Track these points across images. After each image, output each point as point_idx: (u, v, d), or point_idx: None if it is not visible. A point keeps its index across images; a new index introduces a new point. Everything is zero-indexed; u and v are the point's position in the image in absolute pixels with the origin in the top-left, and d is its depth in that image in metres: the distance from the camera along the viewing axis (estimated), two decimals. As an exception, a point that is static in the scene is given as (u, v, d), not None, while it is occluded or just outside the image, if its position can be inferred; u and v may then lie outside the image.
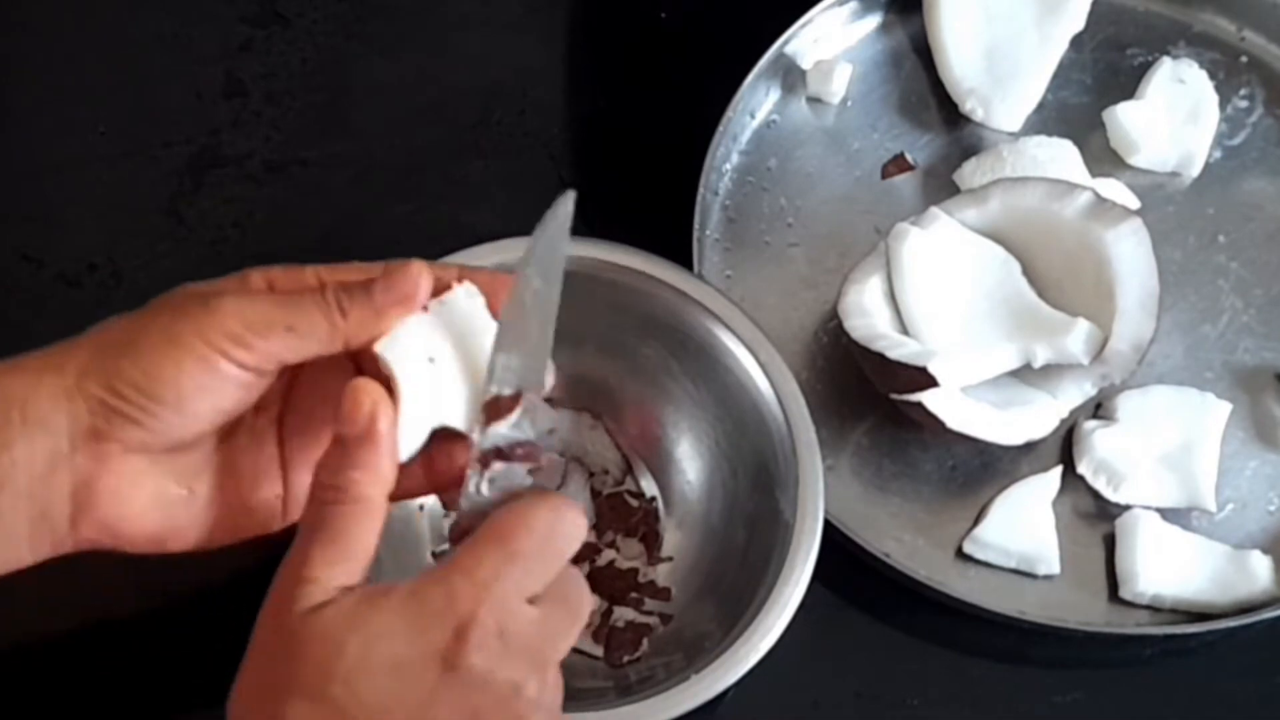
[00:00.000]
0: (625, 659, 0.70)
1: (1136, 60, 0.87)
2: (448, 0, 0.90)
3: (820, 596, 0.66)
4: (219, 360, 0.52)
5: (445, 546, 0.72)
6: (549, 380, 0.56)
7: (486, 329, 0.55)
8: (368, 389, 0.51)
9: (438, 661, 0.49)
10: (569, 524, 0.52)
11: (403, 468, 0.53)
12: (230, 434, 0.57)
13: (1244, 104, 0.87)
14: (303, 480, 0.56)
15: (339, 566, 0.50)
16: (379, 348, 0.54)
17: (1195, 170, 0.85)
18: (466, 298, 0.56)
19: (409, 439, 0.53)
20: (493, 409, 0.53)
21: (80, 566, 0.55)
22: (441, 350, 0.54)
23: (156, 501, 0.54)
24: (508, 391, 0.53)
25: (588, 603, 0.53)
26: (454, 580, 0.50)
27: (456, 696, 0.49)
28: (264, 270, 0.56)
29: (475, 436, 0.53)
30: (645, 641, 0.70)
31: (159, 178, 0.83)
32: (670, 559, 0.73)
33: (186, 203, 0.83)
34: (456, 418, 0.54)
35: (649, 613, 0.71)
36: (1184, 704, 0.73)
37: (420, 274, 0.54)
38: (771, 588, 0.65)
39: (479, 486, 0.53)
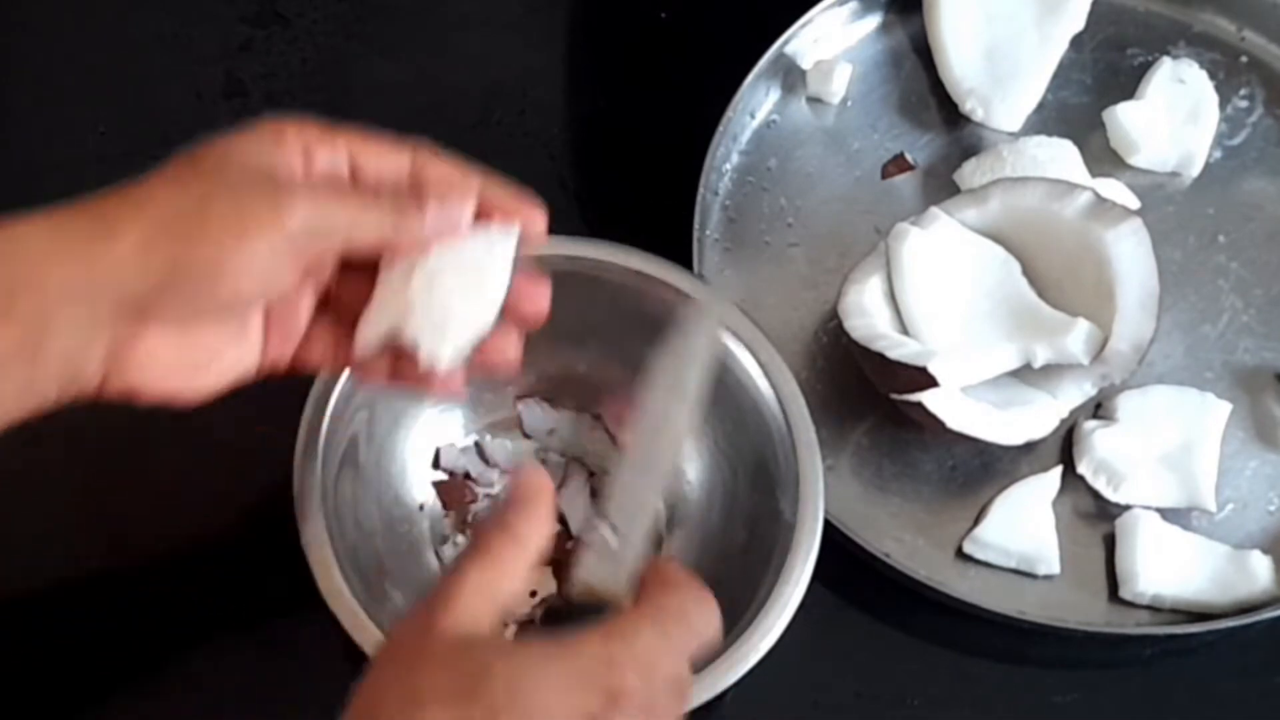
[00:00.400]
0: (625, 659, 0.69)
1: (1136, 60, 0.87)
2: (448, 0, 0.90)
3: (820, 596, 0.66)
4: (286, 257, 0.53)
5: (446, 547, 0.72)
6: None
7: (502, 269, 0.58)
8: (535, 472, 0.55)
9: (581, 716, 0.49)
10: (713, 618, 0.55)
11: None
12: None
13: (1244, 104, 0.87)
14: (326, 328, 0.59)
15: (485, 593, 0.51)
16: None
17: (1195, 170, 0.85)
18: (502, 239, 0.58)
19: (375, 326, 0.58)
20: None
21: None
22: (456, 272, 0.57)
23: (182, 365, 0.55)
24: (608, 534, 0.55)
25: (713, 623, 0.55)
26: (614, 647, 0.50)
27: None
28: (299, 130, 0.56)
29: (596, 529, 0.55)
30: (645, 641, 0.70)
31: (159, 178, 0.83)
32: (670, 559, 0.72)
33: (186, 203, 0.82)
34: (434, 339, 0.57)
35: (649, 613, 0.71)
36: (1184, 704, 0.73)
37: (468, 206, 0.59)
38: (771, 588, 0.65)
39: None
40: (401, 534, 0.71)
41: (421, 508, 0.73)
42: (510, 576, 0.52)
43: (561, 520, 0.73)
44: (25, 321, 0.51)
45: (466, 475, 0.74)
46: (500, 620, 0.51)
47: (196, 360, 0.56)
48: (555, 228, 0.73)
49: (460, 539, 0.72)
